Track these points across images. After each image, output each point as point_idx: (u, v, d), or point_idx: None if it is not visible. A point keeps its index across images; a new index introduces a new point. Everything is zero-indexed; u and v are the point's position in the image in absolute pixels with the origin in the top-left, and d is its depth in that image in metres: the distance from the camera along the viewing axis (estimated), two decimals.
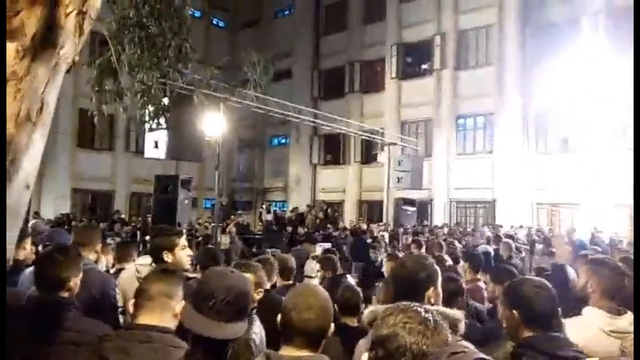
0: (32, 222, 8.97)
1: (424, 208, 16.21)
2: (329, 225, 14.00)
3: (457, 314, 1.80)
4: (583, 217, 13.99)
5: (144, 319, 1.79)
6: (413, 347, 1.13)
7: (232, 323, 1.61)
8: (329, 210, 17.31)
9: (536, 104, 16.17)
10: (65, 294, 2.03)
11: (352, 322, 3.14)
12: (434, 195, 18.04)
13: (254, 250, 10.86)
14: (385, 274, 4.85)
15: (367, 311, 1.98)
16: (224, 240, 10.46)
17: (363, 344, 2.21)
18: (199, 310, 1.60)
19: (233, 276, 1.71)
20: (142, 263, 3.25)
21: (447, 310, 1.79)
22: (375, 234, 11.59)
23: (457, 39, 18.30)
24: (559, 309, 2.01)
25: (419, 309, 1.22)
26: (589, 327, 2.30)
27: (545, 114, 16.24)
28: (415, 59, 19.94)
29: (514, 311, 1.99)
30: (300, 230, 13.61)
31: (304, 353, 1.64)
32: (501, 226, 13.51)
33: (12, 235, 2.06)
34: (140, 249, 5.72)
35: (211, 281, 1.67)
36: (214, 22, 24.87)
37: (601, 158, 14.04)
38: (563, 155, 15.58)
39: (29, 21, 1.83)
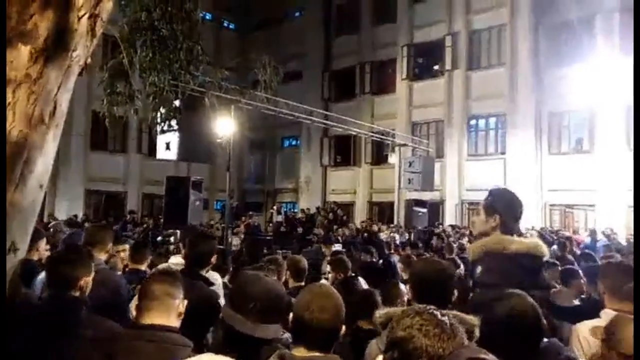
0: (52, 223, 9.11)
1: (435, 209, 16.11)
2: (337, 227, 13.97)
3: (474, 319, 1.78)
4: (598, 218, 13.80)
5: (150, 318, 1.81)
6: (429, 349, 1.13)
7: (269, 324, 1.74)
8: (338, 211, 17.29)
9: (549, 104, 15.99)
10: (77, 293, 2.05)
11: (366, 324, 3.12)
12: (445, 196, 17.93)
13: (265, 251, 10.86)
14: (404, 276, 4.82)
15: (381, 312, 1.98)
16: (235, 241, 10.50)
17: (374, 344, 2.20)
18: (239, 311, 1.72)
19: (269, 281, 1.86)
20: (175, 262, 3.32)
21: (464, 316, 1.77)
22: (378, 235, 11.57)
23: (469, 40, 18.18)
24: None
25: (435, 312, 1.22)
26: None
27: (559, 114, 16.06)
28: (427, 60, 19.84)
29: None
30: (316, 231, 13.63)
31: (317, 353, 1.65)
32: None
33: (27, 234, 2.09)
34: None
35: (251, 285, 1.80)
36: (225, 24, 25.00)
37: (616, 158, 13.84)
38: (577, 156, 15.38)
39: (42, 25, 1.86)
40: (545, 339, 1.93)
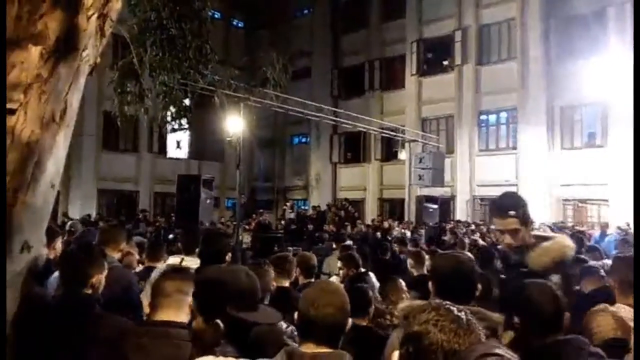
0: (69, 222, 9.22)
1: (446, 205, 16.02)
2: (347, 224, 13.96)
3: (498, 316, 1.76)
4: (612, 213, 13.62)
5: (162, 315, 1.84)
6: (444, 345, 1.12)
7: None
8: (349, 208, 17.28)
9: (561, 98, 15.80)
10: (89, 291, 2.07)
11: (361, 321, 3.12)
12: (456, 192, 17.82)
13: (275, 248, 10.90)
14: (414, 272, 4.80)
15: (402, 305, 1.97)
16: (246, 239, 10.55)
17: (395, 338, 2.19)
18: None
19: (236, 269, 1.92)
20: (172, 263, 3.33)
21: (487, 312, 1.76)
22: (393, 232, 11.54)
23: (479, 34, 18.02)
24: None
25: (451, 307, 1.21)
26: None
27: (571, 109, 15.87)
28: (436, 55, 19.70)
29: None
30: (327, 228, 13.63)
31: (324, 349, 1.65)
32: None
33: (40, 233, 2.11)
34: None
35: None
36: (234, 23, 25.05)
37: (629, 153, 13.63)
38: (590, 150, 15.19)
39: (52, 25, 1.87)
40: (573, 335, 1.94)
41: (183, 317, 1.86)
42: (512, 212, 2.52)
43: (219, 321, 1.62)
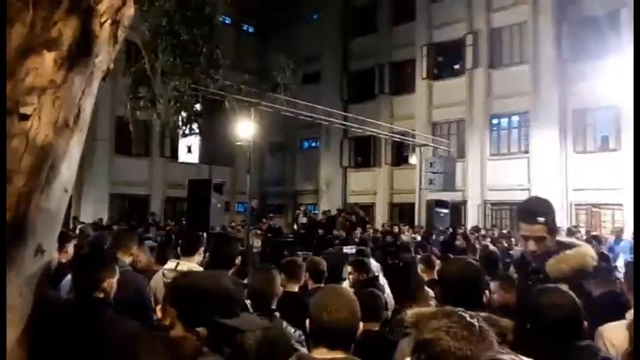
0: (79, 226, 9.33)
1: (457, 210, 15.93)
2: (357, 229, 13.90)
3: (507, 322, 1.74)
4: (627, 218, 13.42)
5: None
6: (456, 352, 1.10)
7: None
8: (361, 212, 17.23)
9: (574, 101, 15.65)
10: (101, 295, 2.08)
11: (373, 326, 3.10)
12: (467, 196, 17.70)
13: (285, 252, 10.91)
14: (425, 277, 4.77)
15: (412, 312, 1.96)
16: (256, 243, 10.57)
17: (404, 345, 2.18)
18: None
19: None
20: (168, 267, 3.34)
21: (497, 318, 1.74)
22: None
23: (490, 38, 17.93)
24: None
25: (463, 313, 1.19)
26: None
27: (584, 112, 15.70)
28: (447, 59, 19.64)
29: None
30: (336, 232, 13.61)
31: (337, 355, 1.64)
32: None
33: (53, 237, 2.14)
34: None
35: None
36: (244, 28, 25.22)
37: None
38: (603, 154, 15.00)
39: (66, 31, 1.90)
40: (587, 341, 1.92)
41: None
42: (541, 219, 2.39)
43: (201, 329, 1.56)
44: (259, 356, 2.17)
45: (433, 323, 1.17)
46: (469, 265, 2.13)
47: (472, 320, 1.16)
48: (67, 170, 2.03)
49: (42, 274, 2.02)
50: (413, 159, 18.31)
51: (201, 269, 3.35)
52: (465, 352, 1.10)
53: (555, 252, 2.39)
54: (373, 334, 2.93)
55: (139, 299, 2.87)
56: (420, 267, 5.08)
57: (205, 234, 8.25)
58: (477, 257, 6.06)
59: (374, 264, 4.73)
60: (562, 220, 14.30)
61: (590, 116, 15.65)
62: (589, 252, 2.47)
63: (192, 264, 3.30)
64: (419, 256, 6.20)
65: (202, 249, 3.53)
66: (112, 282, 2.13)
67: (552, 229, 2.43)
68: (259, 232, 13.49)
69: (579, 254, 2.39)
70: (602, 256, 5.91)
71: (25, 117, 1.82)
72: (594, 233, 11.85)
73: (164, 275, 3.31)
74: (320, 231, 14.16)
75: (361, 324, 1.75)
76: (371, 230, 13.45)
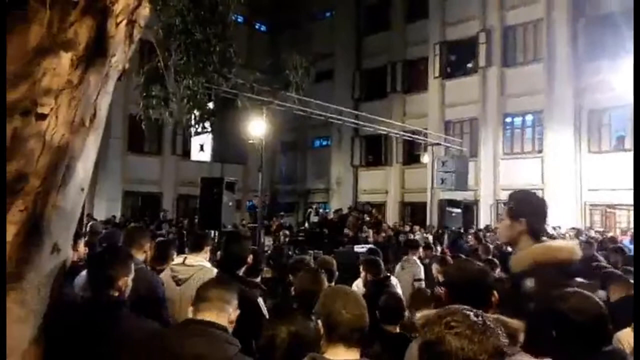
0: (89, 223, 9.42)
1: (469, 209, 15.79)
2: (367, 229, 13.84)
3: (517, 323, 1.72)
4: None
5: (202, 316, 1.88)
6: (459, 352, 1.09)
7: None
8: (373, 211, 17.18)
9: (589, 100, 15.43)
10: (115, 293, 2.10)
11: (393, 329, 3.09)
12: (480, 196, 17.56)
13: (296, 251, 10.92)
14: (440, 277, 4.74)
15: (420, 315, 1.95)
16: (267, 241, 10.60)
17: (414, 346, 2.17)
18: None
19: None
20: (177, 262, 3.38)
21: (506, 319, 1.72)
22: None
23: (503, 36, 17.75)
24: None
25: (468, 312, 1.18)
26: None
27: (599, 111, 15.48)
28: (460, 57, 19.48)
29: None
30: (347, 231, 13.58)
31: (353, 355, 1.67)
32: (556, 227, 12.88)
33: (69, 236, 2.16)
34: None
35: None
36: (257, 26, 25.28)
37: None
38: (618, 154, 14.77)
39: (82, 32, 1.91)
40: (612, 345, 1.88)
41: (223, 322, 1.88)
42: (505, 207, 2.49)
43: None
44: (289, 352, 2.19)
45: (437, 323, 1.16)
46: (470, 266, 2.11)
47: (476, 319, 1.15)
48: (83, 169, 2.05)
49: (58, 272, 2.05)
50: (425, 158, 18.19)
51: (209, 264, 3.42)
52: (467, 351, 1.09)
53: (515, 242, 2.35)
54: (394, 336, 2.92)
55: (152, 296, 2.89)
56: (435, 267, 5.05)
57: (215, 232, 8.35)
58: (489, 257, 6.01)
59: None
60: (576, 221, 14.15)
61: (606, 115, 15.43)
62: (559, 245, 2.39)
63: (199, 258, 3.36)
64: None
65: (208, 247, 3.57)
66: (127, 280, 2.14)
67: (515, 215, 2.36)
68: (269, 229, 13.51)
69: (544, 248, 2.30)
70: (620, 251, 5.88)
71: (42, 117, 1.83)
72: (610, 234, 11.67)
73: (172, 270, 3.33)
74: (326, 231, 14.15)
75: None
76: (383, 233, 13.33)
